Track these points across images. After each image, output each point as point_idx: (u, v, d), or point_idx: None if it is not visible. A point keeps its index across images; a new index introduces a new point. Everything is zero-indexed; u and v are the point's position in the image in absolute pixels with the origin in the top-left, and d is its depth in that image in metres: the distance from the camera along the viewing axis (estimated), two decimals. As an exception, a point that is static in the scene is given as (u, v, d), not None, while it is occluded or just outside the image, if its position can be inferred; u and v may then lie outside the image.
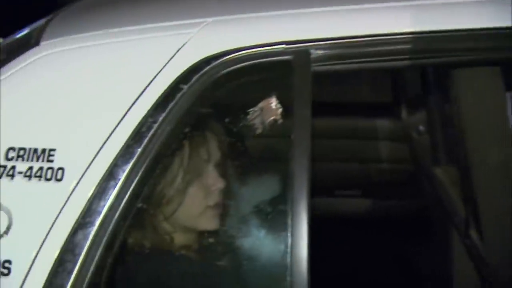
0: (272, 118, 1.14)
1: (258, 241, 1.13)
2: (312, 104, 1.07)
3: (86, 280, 1.00)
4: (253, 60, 1.10)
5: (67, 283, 0.99)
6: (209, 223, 1.24)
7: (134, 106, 1.06)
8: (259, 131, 1.14)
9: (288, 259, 0.99)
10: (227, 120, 1.19)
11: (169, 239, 1.24)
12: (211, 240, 1.19)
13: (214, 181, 1.25)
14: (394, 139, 2.59)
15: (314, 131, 1.05)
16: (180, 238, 1.25)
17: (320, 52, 1.11)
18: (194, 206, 1.23)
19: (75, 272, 1.00)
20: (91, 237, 1.01)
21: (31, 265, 0.99)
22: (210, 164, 1.25)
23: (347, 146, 2.64)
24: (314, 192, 1.03)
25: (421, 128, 2.31)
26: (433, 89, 2.00)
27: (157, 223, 1.22)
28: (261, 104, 1.14)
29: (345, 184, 2.62)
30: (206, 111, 1.16)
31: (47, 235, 1.00)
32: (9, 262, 0.99)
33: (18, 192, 1.02)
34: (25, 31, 1.33)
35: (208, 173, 1.24)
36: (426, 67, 1.87)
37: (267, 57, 1.10)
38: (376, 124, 2.62)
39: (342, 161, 2.64)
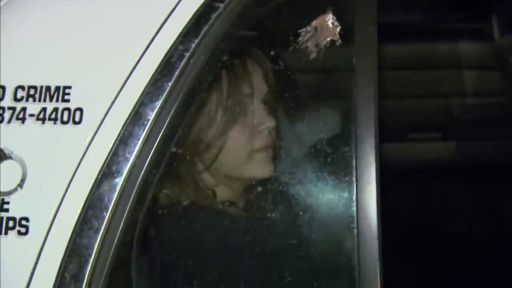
0: (329, 39, 1.13)
1: (317, 188, 1.14)
2: (378, 25, 1.05)
3: (116, 238, 1.03)
4: (303, -33, 1.10)
5: (94, 242, 1.03)
6: (258, 169, 1.26)
7: (161, 31, 1.07)
8: (313, 55, 1.13)
9: (354, 208, 1.00)
10: (273, 44, 1.19)
11: (211, 194, 1.27)
12: (259, 189, 1.21)
13: (261, 119, 1.26)
14: (484, 66, 2.53)
15: (381, 59, 1.04)
16: (223, 193, 1.28)
17: (387, -47, 1.09)
18: (237, 151, 1.25)
19: (102, 229, 1.03)
20: (118, 188, 1.03)
21: (52, 223, 1.03)
22: (255, 100, 1.26)
23: (423, 77, 2.60)
24: (381, 136, 1.02)
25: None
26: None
27: (195, 174, 1.24)
28: (314, 23, 1.13)
29: (422, 125, 2.59)
30: (248, 34, 1.16)
31: (67, 187, 1.03)
32: (26, 219, 1.04)
33: (31, 138, 1.05)
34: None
35: (253, 111, 1.25)
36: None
37: (321, -37, 1.10)
38: (459, 48, 2.56)
39: (416, 97, 2.61)
